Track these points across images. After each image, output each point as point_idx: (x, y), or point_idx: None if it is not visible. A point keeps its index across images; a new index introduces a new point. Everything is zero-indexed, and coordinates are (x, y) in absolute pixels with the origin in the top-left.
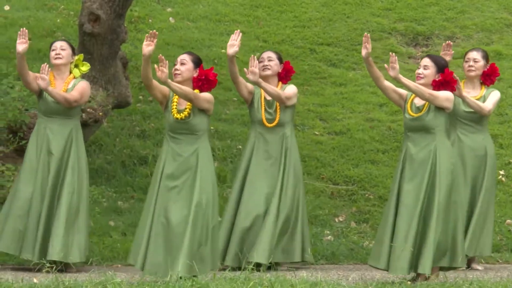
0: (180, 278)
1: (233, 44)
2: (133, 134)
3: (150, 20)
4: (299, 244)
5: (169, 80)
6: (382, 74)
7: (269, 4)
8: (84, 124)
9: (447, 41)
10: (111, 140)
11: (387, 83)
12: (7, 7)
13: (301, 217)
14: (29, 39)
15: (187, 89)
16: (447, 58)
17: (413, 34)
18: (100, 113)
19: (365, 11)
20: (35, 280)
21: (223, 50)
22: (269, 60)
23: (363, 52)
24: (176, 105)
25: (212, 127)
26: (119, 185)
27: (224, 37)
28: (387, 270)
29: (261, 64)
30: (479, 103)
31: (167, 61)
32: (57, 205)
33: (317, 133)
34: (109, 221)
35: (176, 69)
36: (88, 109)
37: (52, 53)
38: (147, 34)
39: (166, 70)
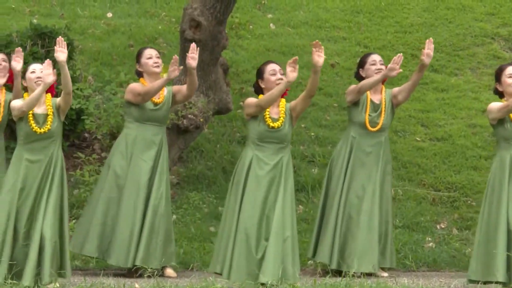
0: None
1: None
2: (233, 140)
3: (251, 27)
4: (393, 248)
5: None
6: None
7: (370, 9)
8: (186, 130)
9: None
10: (212, 146)
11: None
12: (109, 15)
13: (391, 222)
14: (131, 46)
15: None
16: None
17: None
18: (201, 119)
19: (468, 16)
20: (136, 286)
21: (324, 56)
22: (381, 64)
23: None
24: (269, 114)
25: (312, 133)
26: (220, 191)
27: (325, 43)
28: (504, 282)
29: (374, 67)
30: None
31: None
32: (146, 211)
33: (418, 139)
34: (209, 227)
35: (280, 79)
36: (189, 115)
37: (150, 61)
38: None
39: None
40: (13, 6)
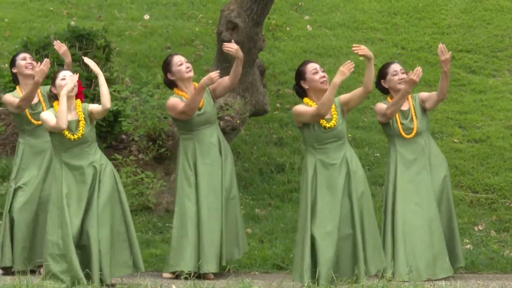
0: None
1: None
2: (270, 141)
3: (287, 28)
4: (460, 249)
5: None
6: None
7: (408, 11)
8: (222, 132)
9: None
10: (249, 148)
11: None
12: (146, 16)
13: (456, 222)
14: (168, 48)
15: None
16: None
17: None
18: (238, 121)
19: (506, 17)
20: (173, 287)
21: (361, 58)
22: (403, 73)
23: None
24: None
25: (349, 135)
26: (257, 192)
27: (362, 44)
28: None
29: (397, 77)
30: None
31: None
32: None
33: (456, 140)
34: (246, 229)
35: (324, 76)
36: (226, 117)
37: (183, 67)
38: None
39: None
40: (51, 8)
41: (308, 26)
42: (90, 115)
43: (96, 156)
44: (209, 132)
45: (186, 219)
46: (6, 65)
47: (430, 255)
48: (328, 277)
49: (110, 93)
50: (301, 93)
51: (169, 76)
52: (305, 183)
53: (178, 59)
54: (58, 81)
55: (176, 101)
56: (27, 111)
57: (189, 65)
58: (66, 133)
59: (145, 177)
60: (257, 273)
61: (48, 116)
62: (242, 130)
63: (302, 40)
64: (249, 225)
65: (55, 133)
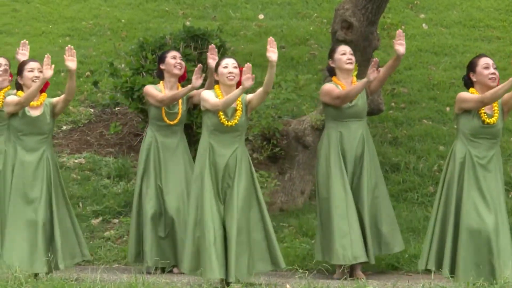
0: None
1: None
2: (385, 141)
3: (403, 27)
4: None
5: None
6: None
7: None
8: None
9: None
10: None
11: None
12: (261, 16)
13: None
14: (282, 47)
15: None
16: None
17: None
18: None
19: None
20: (287, 286)
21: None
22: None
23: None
24: (484, 109)
25: None
26: None
27: (479, 43)
28: None
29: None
30: None
31: None
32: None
33: None
34: None
35: (493, 73)
36: None
37: (344, 57)
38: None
39: None
40: (167, 9)
41: (423, 25)
42: (246, 105)
43: (240, 148)
44: (355, 126)
45: (347, 210)
46: (123, 65)
47: None
48: (467, 274)
49: None
50: (468, 85)
51: (330, 62)
52: (450, 173)
53: (342, 48)
54: (220, 69)
55: (332, 86)
56: (164, 109)
57: (351, 57)
58: (222, 117)
59: (259, 176)
60: (371, 272)
61: (208, 95)
62: None
63: (418, 38)
64: None
65: (210, 113)
